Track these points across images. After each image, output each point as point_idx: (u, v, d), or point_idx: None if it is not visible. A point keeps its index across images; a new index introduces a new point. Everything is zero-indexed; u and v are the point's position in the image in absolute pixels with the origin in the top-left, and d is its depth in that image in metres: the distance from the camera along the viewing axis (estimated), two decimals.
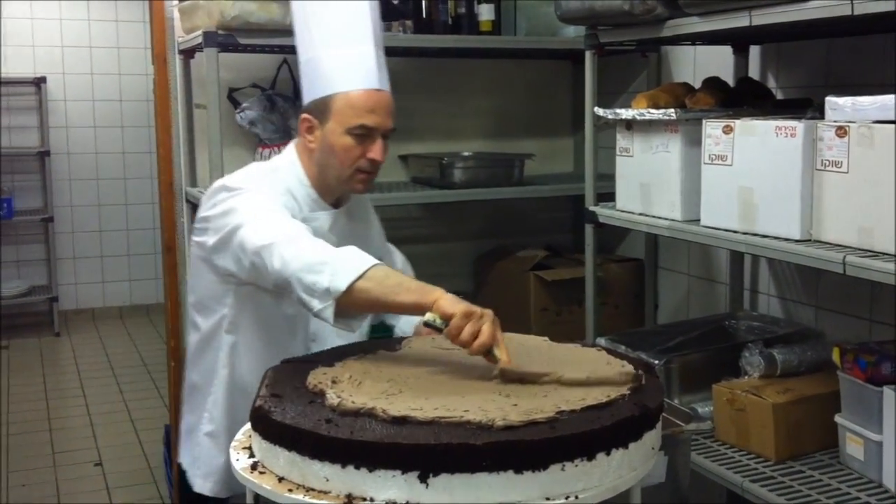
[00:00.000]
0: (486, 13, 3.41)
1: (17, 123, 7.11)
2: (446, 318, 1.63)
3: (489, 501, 1.32)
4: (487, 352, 1.63)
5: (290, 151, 2.13)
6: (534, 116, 3.86)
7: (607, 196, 2.78)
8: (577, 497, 1.36)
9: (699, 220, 2.35)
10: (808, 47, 2.70)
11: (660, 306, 3.45)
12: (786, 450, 2.26)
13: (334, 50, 2.01)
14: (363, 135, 1.99)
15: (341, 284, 1.71)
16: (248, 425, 1.58)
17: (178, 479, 2.21)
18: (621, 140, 2.63)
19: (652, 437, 1.52)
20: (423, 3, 3.34)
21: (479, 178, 3.37)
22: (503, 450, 1.33)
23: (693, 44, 2.98)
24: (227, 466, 1.65)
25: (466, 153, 3.61)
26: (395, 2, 3.24)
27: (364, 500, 1.34)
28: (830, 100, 2.00)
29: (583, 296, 2.93)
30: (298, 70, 2.12)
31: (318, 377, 1.62)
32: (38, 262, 7.27)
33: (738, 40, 2.82)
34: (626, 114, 2.55)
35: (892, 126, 1.82)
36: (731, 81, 2.76)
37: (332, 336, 2.04)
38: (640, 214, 2.59)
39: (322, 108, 2.01)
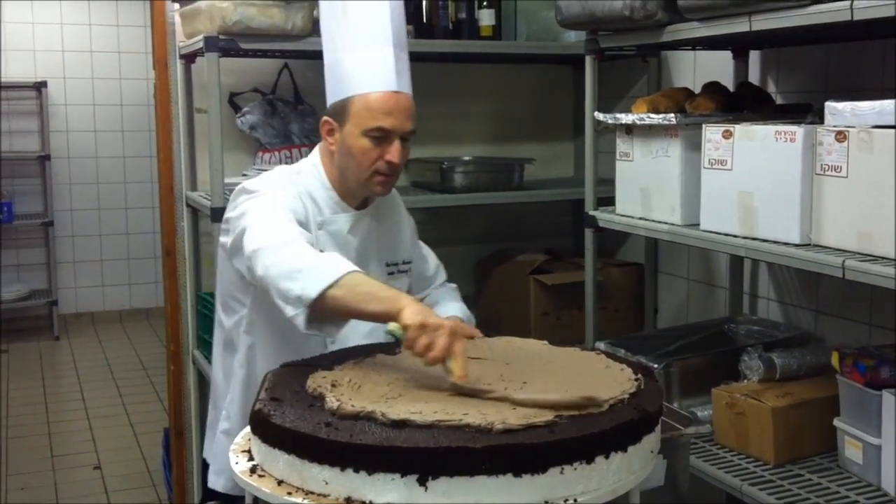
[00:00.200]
0: (486, 18, 3.41)
1: (17, 127, 7.12)
2: (405, 329, 1.64)
3: None
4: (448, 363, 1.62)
5: (314, 154, 2.15)
6: (534, 121, 3.87)
7: (607, 200, 2.78)
8: (576, 500, 1.36)
9: (699, 225, 2.35)
10: (807, 52, 2.70)
11: (659, 310, 3.45)
12: (785, 453, 2.26)
13: (354, 53, 2.02)
14: (380, 137, 2.00)
15: (312, 292, 1.72)
16: (248, 428, 1.58)
17: (202, 474, 2.25)
18: (621, 144, 2.63)
19: (651, 441, 1.52)
20: (424, 8, 3.34)
21: (480, 182, 3.37)
22: (502, 453, 1.33)
23: (693, 49, 2.99)
24: None
25: (467, 157, 3.61)
26: None
27: (363, 503, 1.34)
28: (830, 105, 2.00)
29: (583, 300, 2.93)
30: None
31: (317, 381, 1.63)
32: (38, 266, 7.28)
33: (738, 45, 2.83)
34: (626, 118, 2.55)
35: (892, 131, 1.83)
36: (730, 86, 2.76)
37: (351, 338, 2.03)
38: (640, 219, 2.59)
39: (341, 110, 2.03)
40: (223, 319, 2.14)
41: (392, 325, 1.67)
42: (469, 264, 3.78)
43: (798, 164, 2.03)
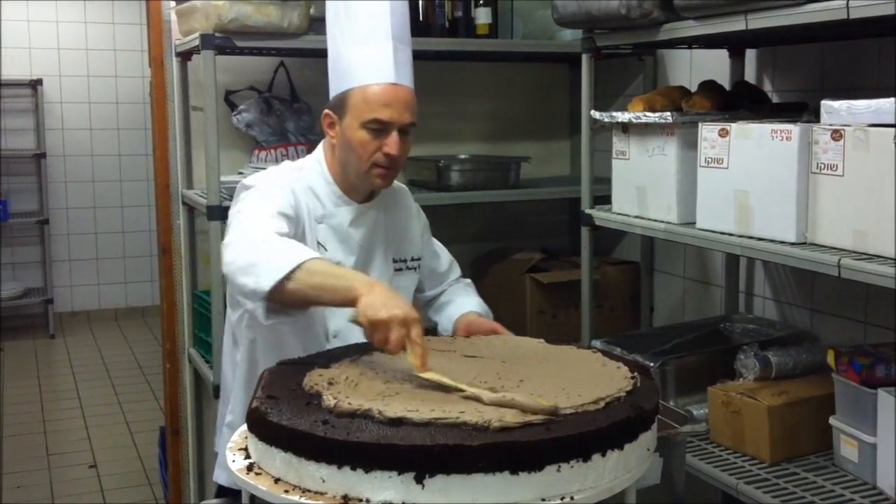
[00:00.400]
0: (483, 17, 3.41)
1: (12, 126, 7.11)
2: (358, 324, 1.67)
3: (485, 502, 1.32)
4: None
5: (318, 150, 2.17)
6: (530, 119, 3.87)
7: (603, 199, 2.79)
8: (572, 498, 1.36)
9: (695, 223, 2.35)
10: (803, 51, 2.71)
11: (655, 309, 3.45)
12: (780, 452, 2.26)
13: (354, 47, 2.03)
14: (379, 129, 2.01)
15: (265, 286, 1.74)
16: (245, 426, 1.58)
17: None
18: (618, 143, 2.63)
19: (647, 439, 1.52)
20: (421, 6, 3.34)
21: (476, 180, 3.37)
22: (499, 451, 1.33)
23: (689, 47, 2.99)
24: None
25: (463, 156, 3.61)
26: None
27: (360, 500, 1.34)
28: (826, 103, 2.00)
29: (579, 298, 2.93)
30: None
31: (314, 379, 1.63)
32: (34, 265, 7.27)
33: (735, 44, 2.83)
34: (622, 117, 2.55)
35: (888, 129, 1.83)
36: (727, 85, 2.76)
37: (355, 334, 2.03)
38: (636, 217, 2.59)
39: (340, 103, 2.04)
40: (229, 315, 2.17)
41: (351, 314, 1.69)
42: (465, 263, 3.76)
43: (794, 162, 2.03)
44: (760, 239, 2.14)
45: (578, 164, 2.97)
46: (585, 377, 1.65)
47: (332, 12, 2.11)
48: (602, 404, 1.50)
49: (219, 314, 2.85)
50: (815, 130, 2.00)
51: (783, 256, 2.07)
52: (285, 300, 1.77)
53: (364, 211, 2.13)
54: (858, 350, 2.19)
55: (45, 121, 7.14)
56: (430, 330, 2.28)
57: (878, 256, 1.86)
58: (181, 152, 3.38)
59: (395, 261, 2.21)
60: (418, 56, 3.44)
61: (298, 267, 1.73)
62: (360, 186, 2.12)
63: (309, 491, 1.38)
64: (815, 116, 2.06)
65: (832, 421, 2.22)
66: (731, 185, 2.21)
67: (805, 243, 2.05)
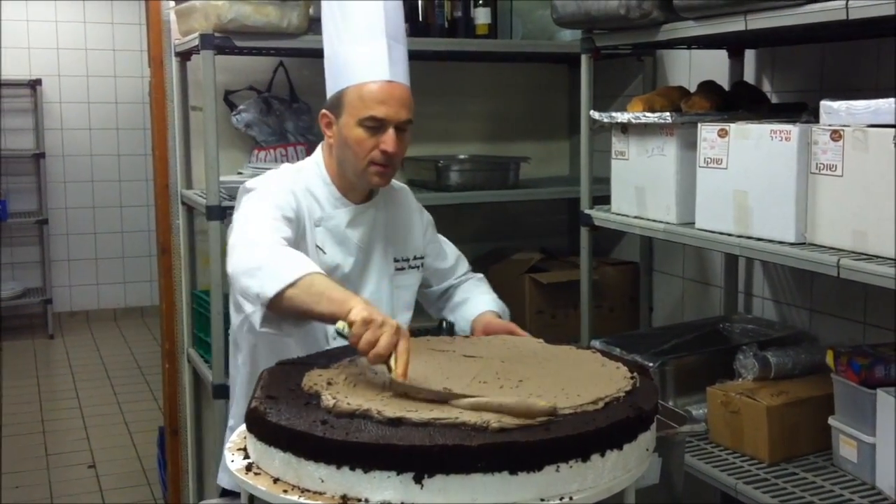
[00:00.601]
0: (482, 17, 3.41)
1: (11, 125, 7.11)
2: (351, 325, 1.64)
3: (484, 502, 1.32)
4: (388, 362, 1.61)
5: (317, 152, 2.18)
6: (530, 120, 3.87)
7: (603, 199, 2.79)
8: (571, 498, 1.36)
9: (694, 223, 2.35)
10: (803, 51, 2.71)
11: (654, 309, 3.45)
12: (779, 452, 2.27)
13: (349, 46, 2.04)
14: (375, 126, 2.01)
15: (270, 291, 1.74)
16: (244, 426, 1.58)
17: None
18: (617, 143, 2.63)
19: (646, 439, 1.52)
20: (420, 6, 3.34)
21: (475, 181, 3.37)
22: (498, 451, 1.33)
23: (689, 48, 2.99)
24: None
25: (462, 156, 3.61)
26: None
27: (359, 500, 1.34)
28: (825, 104, 2.00)
29: (578, 298, 2.93)
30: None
31: (313, 379, 1.63)
32: (33, 265, 7.27)
33: (734, 44, 2.83)
34: (621, 117, 2.55)
35: (887, 130, 1.83)
36: (726, 85, 2.76)
37: None
38: (636, 217, 2.59)
39: (337, 102, 2.05)
40: (232, 317, 2.16)
41: (339, 324, 1.66)
42: None
43: (793, 163, 2.03)
44: (759, 239, 2.14)
45: (577, 165, 2.97)
46: (585, 377, 1.65)
47: (327, 12, 2.11)
48: (601, 404, 1.50)
49: (218, 314, 2.85)
50: (814, 131, 2.00)
51: (782, 257, 2.07)
52: (283, 309, 1.77)
53: (362, 211, 2.14)
54: (857, 350, 2.19)
55: (45, 121, 7.13)
56: (442, 329, 2.29)
57: (878, 257, 1.86)
58: (180, 152, 3.38)
59: (396, 260, 2.21)
60: (418, 56, 3.46)
61: (303, 276, 1.74)
62: (358, 185, 2.12)
63: (308, 491, 1.38)
64: (815, 117, 2.06)
65: (831, 421, 2.22)
66: (730, 185, 2.21)
67: (804, 243, 2.05)
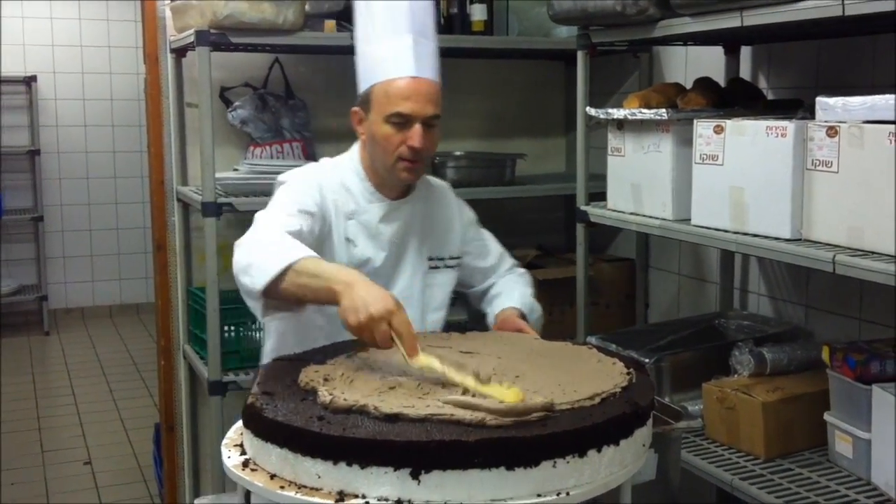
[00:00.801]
0: (478, 13, 3.40)
1: (7, 122, 7.09)
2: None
3: (481, 498, 1.33)
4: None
5: (354, 146, 2.21)
6: (526, 116, 3.87)
7: (599, 196, 2.79)
8: (568, 494, 1.37)
9: (690, 220, 2.36)
10: (798, 48, 2.71)
11: (651, 305, 3.46)
12: (775, 448, 2.27)
13: (375, 44, 2.07)
14: (401, 122, 2.03)
15: (258, 285, 1.79)
16: (240, 422, 1.58)
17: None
18: (613, 140, 2.64)
19: (643, 435, 1.53)
20: None
21: (471, 177, 3.37)
22: (495, 447, 1.34)
23: (685, 44, 2.99)
24: None
25: (458, 153, 3.60)
26: None
27: (356, 496, 1.34)
28: (821, 100, 2.00)
29: (574, 295, 2.94)
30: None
31: (310, 375, 1.63)
32: (28, 262, 7.25)
33: (730, 41, 2.83)
34: (617, 113, 2.55)
35: (883, 126, 1.83)
36: (722, 82, 2.76)
37: None
38: (632, 214, 2.59)
39: (366, 99, 2.09)
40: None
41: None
42: None
43: (789, 159, 2.04)
44: (755, 235, 2.15)
45: (574, 161, 2.97)
46: (581, 373, 1.65)
47: (357, 11, 2.15)
48: (597, 400, 1.51)
49: (214, 311, 2.85)
50: (810, 127, 2.00)
51: (778, 253, 2.07)
52: (281, 299, 1.81)
53: (396, 207, 2.16)
54: (853, 346, 2.19)
55: (40, 117, 7.12)
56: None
57: (873, 253, 1.86)
58: (176, 149, 3.37)
59: (430, 258, 2.22)
60: None
61: (289, 267, 1.76)
62: (389, 181, 2.14)
63: (305, 487, 1.38)
64: (810, 113, 2.06)
65: (827, 417, 2.23)
66: (726, 181, 2.21)
67: (800, 240, 2.05)
